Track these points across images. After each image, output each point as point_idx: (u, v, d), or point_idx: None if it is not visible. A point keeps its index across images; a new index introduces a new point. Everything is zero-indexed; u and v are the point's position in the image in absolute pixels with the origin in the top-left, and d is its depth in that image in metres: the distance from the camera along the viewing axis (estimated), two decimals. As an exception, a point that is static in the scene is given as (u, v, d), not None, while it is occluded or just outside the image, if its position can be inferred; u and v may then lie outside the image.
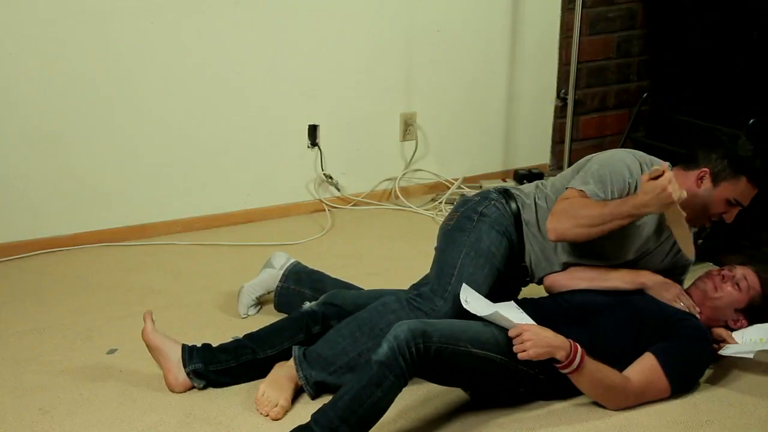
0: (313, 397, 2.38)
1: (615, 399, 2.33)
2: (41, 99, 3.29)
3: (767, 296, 2.51)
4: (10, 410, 2.35)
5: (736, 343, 2.48)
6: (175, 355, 2.43)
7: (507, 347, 2.24)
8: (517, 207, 2.56)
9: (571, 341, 2.23)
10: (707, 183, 2.43)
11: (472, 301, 2.33)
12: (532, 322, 2.30)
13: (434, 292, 2.42)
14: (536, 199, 2.56)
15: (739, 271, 2.51)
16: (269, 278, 2.87)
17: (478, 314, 2.28)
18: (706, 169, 2.43)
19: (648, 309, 2.44)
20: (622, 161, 2.44)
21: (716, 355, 2.52)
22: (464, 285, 2.38)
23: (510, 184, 4.08)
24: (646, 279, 2.51)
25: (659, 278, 2.51)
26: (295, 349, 2.40)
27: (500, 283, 2.52)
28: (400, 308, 2.39)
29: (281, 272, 2.84)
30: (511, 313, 2.30)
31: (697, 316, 2.48)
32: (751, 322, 2.51)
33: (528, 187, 2.63)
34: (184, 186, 3.62)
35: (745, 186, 2.43)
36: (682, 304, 2.48)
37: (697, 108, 3.68)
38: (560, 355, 2.21)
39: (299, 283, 2.80)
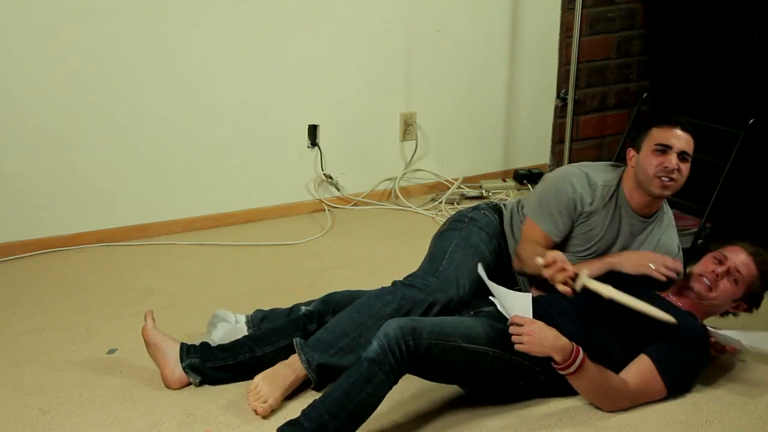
0: (317, 384, 2.37)
1: (611, 402, 2.33)
2: (41, 99, 3.28)
3: (765, 279, 2.47)
4: (10, 410, 2.35)
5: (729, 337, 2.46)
6: (173, 353, 2.45)
7: (499, 340, 2.25)
8: (502, 222, 2.75)
9: (574, 345, 2.23)
10: (636, 156, 2.56)
11: (492, 284, 2.37)
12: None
13: (426, 272, 2.57)
14: (513, 227, 2.71)
15: (732, 260, 2.45)
16: (230, 332, 2.62)
17: (495, 298, 2.35)
18: (630, 150, 2.58)
19: None
20: (565, 179, 2.57)
21: (714, 352, 2.53)
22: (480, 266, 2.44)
23: (510, 184, 4.11)
24: (612, 258, 2.56)
25: (624, 252, 2.57)
26: (297, 340, 2.43)
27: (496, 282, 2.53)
28: (395, 290, 2.51)
29: (240, 325, 2.63)
30: (524, 306, 2.30)
31: (674, 277, 2.45)
32: (749, 305, 2.49)
33: (512, 205, 2.78)
34: (184, 186, 3.62)
35: (657, 131, 2.51)
36: (653, 266, 2.46)
37: (697, 108, 3.68)
38: (557, 357, 2.22)
39: (269, 320, 2.65)
